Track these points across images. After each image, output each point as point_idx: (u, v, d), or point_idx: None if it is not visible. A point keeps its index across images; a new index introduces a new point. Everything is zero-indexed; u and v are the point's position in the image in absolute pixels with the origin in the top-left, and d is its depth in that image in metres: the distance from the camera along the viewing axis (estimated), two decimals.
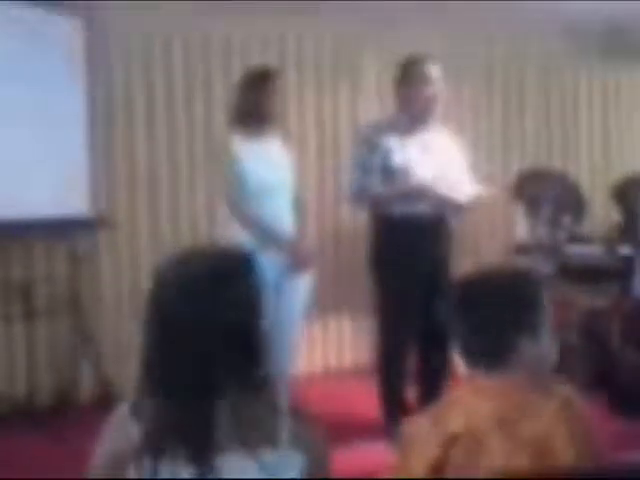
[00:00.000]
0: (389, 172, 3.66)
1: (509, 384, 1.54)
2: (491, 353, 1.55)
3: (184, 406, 1.44)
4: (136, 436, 1.42)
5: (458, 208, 3.82)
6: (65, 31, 4.30)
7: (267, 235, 3.45)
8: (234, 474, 1.41)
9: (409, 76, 3.70)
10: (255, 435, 1.42)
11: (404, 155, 3.67)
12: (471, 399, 1.55)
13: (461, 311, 1.60)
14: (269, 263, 3.37)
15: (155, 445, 1.41)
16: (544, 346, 1.57)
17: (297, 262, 3.48)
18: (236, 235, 3.45)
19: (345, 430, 3.63)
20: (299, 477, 1.45)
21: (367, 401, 3.90)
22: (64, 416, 4.13)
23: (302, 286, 3.59)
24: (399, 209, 3.66)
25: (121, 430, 1.46)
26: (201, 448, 1.40)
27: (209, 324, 1.46)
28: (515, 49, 5.36)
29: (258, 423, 1.43)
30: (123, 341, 4.57)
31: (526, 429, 1.48)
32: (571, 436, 1.49)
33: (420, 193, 3.63)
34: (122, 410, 1.50)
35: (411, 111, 3.73)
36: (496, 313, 1.55)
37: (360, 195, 3.75)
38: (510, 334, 1.54)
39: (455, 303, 1.63)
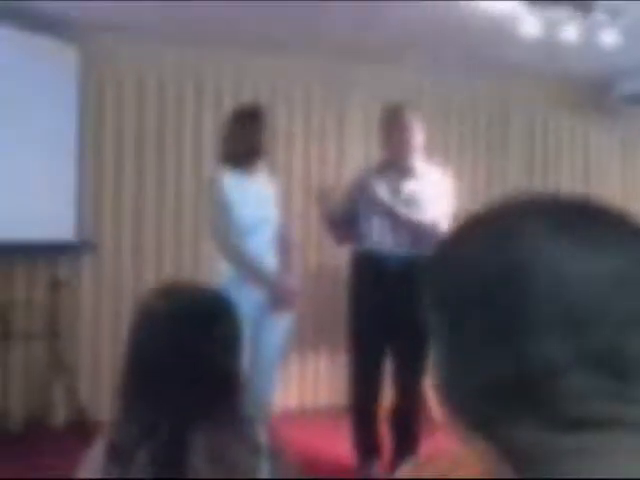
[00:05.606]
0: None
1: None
2: None
3: (158, 440, 1.44)
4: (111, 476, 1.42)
5: (428, 234, 3.56)
6: (58, 58, 4.34)
7: (253, 271, 3.46)
8: None
9: (386, 123, 3.73)
10: (234, 473, 1.43)
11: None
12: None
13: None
14: (251, 298, 3.39)
15: None
16: None
17: (280, 300, 3.47)
18: (221, 269, 3.47)
19: (318, 469, 3.62)
20: None
21: (341, 440, 3.89)
22: (36, 441, 4.09)
23: (282, 323, 3.56)
24: (368, 246, 3.65)
25: (94, 472, 1.45)
26: None
27: (186, 361, 1.48)
28: (499, 95, 5.45)
29: (237, 461, 1.44)
30: (100, 368, 4.56)
31: None
32: None
33: (379, 205, 3.61)
34: (96, 451, 1.48)
35: (388, 156, 3.75)
36: None
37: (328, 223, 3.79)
38: None
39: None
